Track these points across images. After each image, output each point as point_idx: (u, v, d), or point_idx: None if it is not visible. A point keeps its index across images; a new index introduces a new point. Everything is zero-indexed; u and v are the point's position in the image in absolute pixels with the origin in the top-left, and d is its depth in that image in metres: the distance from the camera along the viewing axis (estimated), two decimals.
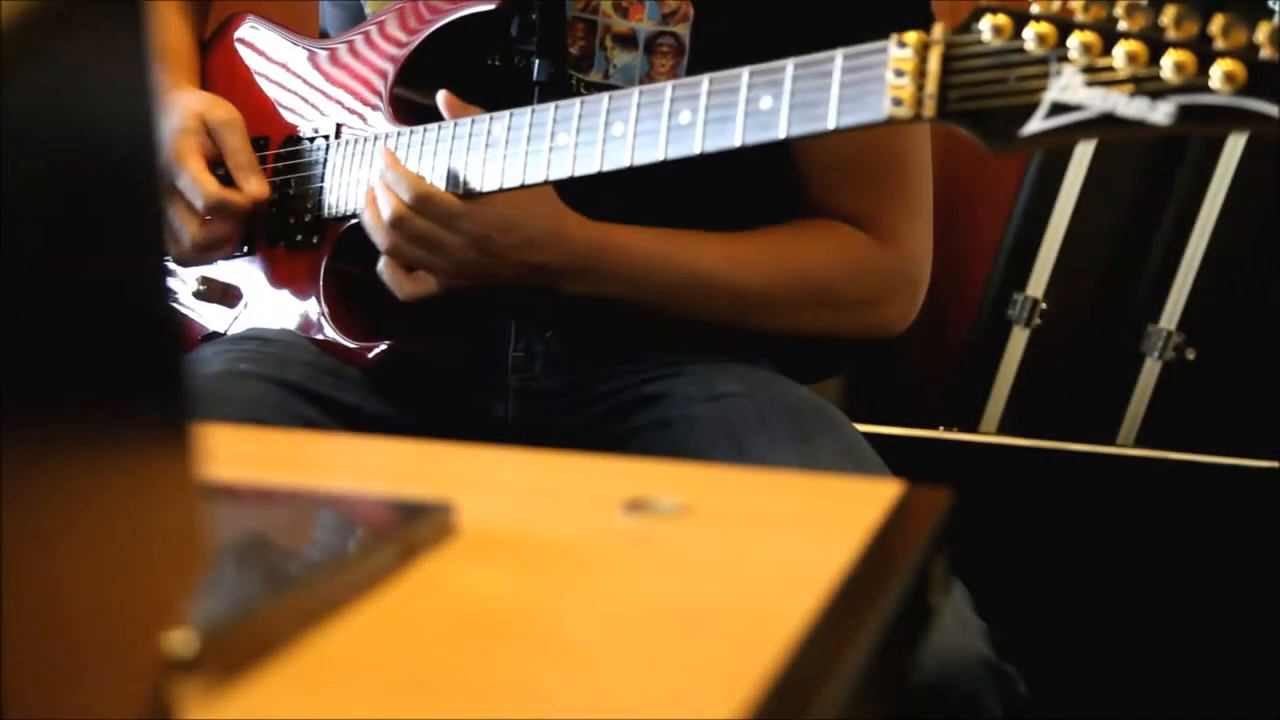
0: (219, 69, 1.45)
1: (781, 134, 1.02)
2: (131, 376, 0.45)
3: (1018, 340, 2.13)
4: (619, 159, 1.11)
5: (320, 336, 1.30)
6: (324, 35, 1.43)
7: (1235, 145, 2.02)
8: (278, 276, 1.36)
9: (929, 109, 0.95)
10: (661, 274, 1.25)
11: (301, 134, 1.36)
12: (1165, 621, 1.88)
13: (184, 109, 1.34)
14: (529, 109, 1.17)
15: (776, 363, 1.34)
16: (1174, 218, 2.07)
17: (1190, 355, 2.05)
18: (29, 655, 0.39)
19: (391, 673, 0.54)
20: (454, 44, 1.29)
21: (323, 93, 1.36)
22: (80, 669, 0.42)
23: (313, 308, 1.32)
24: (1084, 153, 2.10)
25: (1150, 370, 2.07)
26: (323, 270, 1.32)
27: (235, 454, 0.78)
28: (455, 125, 1.21)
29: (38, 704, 0.40)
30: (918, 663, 1.02)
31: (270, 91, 1.40)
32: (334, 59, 1.36)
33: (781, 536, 0.70)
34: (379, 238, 1.22)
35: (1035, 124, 0.92)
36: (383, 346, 1.27)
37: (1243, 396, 2.03)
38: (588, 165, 1.13)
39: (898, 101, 0.97)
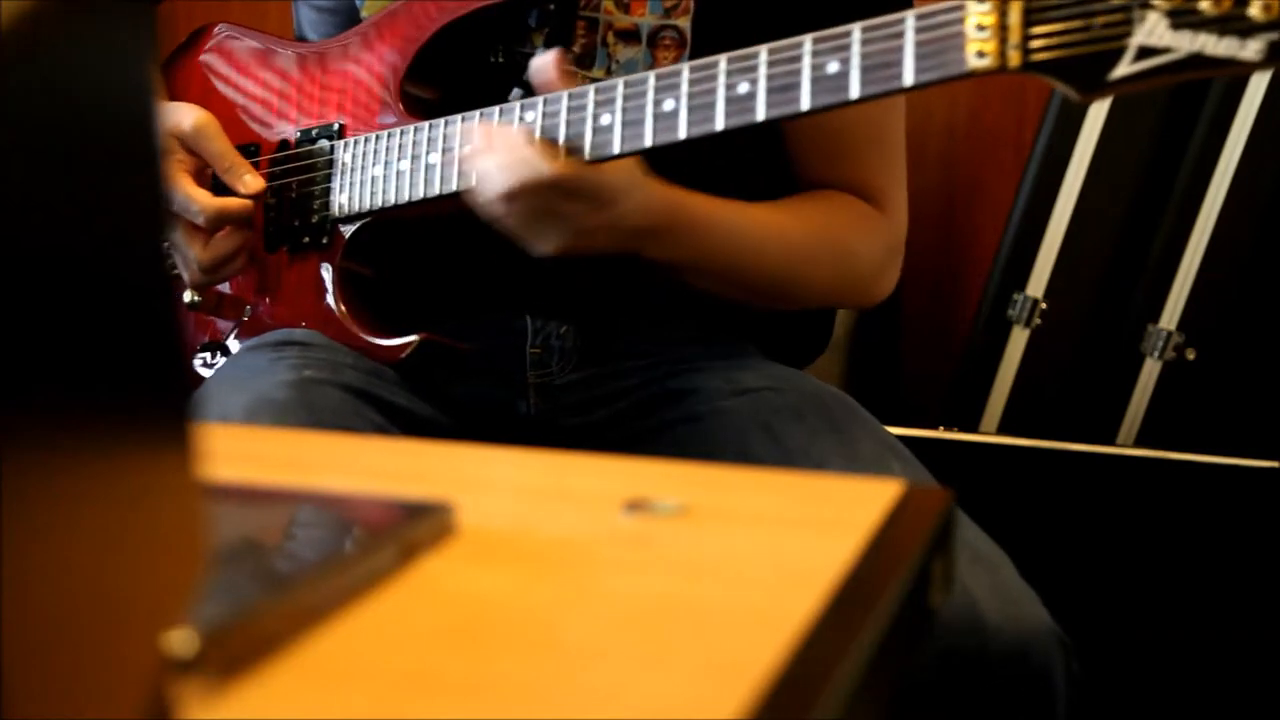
0: (191, 81, 1.41)
1: (854, 96, 1.03)
2: (131, 376, 0.44)
3: (1018, 340, 2.13)
4: (671, 134, 1.09)
5: (347, 339, 1.29)
6: (300, 40, 1.42)
7: (1236, 145, 2.02)
8: (281, 281, 1.34)
9: (1014, 60, 0.97)
10: (725, 238, 1.23)
11: (299, 137, 1.34)
12: (1165, 621, 1.88)
13: None
14: (563, 93, 1.14)
15: (765, 351, 1.34)
16: (1174, 217, 2.07)
17: (1190, 355, 2.05)
18: (29, 655, 0.39)
19: (391, 673, 0.54)
20: (458, 40, 1.29)
21: (321, 94, 1.35)
22: (80, 669, 0.42)
23: (326, 310, 1.30)
24: (1084, 152, 2.10)
25: (1150, 370, 2.07)
26: (337, 271, 1.31)
27: (235, 454, 0.78)
28: (480, 115, 1.20)
29: (38, 704, 0.40)
30: (993, 631, 1.03)
31: (258, 97, 1.38)
32: (331, 59, 1.35)
33: (781, 536, 0.70)
34: (495, 211, 1.16)
35: (1124, 68, 0.93)
36: (413, 338, 1.26)
37: (1243, 396, 2.03)
38: (634, 144, 1.11)
39: (981, 55, 0.98)
